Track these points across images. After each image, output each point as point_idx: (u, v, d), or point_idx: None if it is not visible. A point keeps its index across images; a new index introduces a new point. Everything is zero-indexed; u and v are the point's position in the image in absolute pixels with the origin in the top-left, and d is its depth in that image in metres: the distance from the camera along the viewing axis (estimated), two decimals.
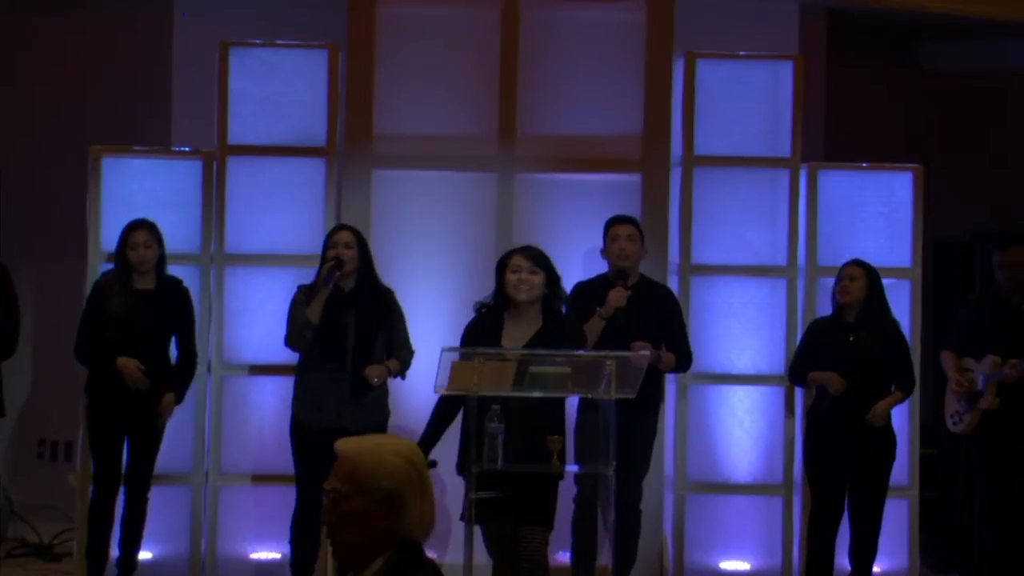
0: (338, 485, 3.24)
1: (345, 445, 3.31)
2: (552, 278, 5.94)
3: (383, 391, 6.73)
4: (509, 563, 5.81)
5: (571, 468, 6.21)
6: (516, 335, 5.90)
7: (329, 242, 6.74)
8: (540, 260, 5.92)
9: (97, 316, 6.83)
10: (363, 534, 3.22)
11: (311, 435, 6.56)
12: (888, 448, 6.80)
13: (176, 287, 6.98)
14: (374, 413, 6.67)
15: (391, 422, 6.80)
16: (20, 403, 8.14)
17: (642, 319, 6.70)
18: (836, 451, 6.75)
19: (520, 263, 5.90)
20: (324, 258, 6.70)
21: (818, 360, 6.86)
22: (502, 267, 5.97)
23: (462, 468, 5.84)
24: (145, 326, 6.80)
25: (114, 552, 6.91)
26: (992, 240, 7.16)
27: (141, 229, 6.89)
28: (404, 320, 6.82)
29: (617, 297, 6.63)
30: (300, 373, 6.75)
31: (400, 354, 6.75)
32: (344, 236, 6.73)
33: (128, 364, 6.70)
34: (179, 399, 6.95)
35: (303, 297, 6.71)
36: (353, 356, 6.62)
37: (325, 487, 3.27)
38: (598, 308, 6.58)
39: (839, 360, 6.75)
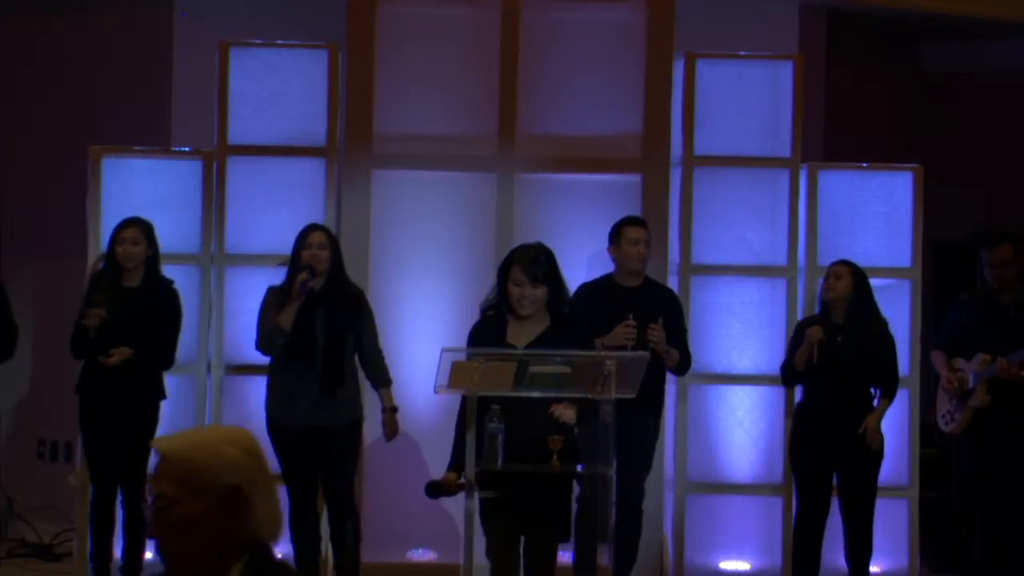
0: (166, 488, 2.73)
1: (168, 443, 2.78)
2: (554, 286, 5.75)
3: (355, 389, 6.70)
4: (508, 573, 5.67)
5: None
6: (521, 334, 5.80)
7: (303, 242, 6.66)
8: (540, 271, 5.70)
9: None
10: (205, 543, 2.74)
11: (287, 433, 6.55)
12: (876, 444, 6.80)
13: (165, 288, 6.83)
14: (350, 411, 6.65)
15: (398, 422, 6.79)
16: (20, 403, 8.14)
17: (645, 320, 6.69)
18: (822, 448, 6.77)
19: (520, 277, 5.69)
20: (297, 257, 6.64)
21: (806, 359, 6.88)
22: (504, 274, 5.79)
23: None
24: (126, 323, 6.63)
25: (118, 555, 6.85)
26: (981, 239, 7.13)
27: (131, 227, 6.78)
28: (374, 322, 6.76)
29: (625, 334, 6.59)
30: (270, 373, 6.71)
31: (381, 373, 6.73)
32: (318, 237, 6.66)
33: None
34: (138, 359, 6.59)
35: (273, 300, 6.65)
36: (323, 355, 6.57)
37: (150, 492, 2.77)
38: (602, 341, 6.51)
39: (826, 360, 6.75)
